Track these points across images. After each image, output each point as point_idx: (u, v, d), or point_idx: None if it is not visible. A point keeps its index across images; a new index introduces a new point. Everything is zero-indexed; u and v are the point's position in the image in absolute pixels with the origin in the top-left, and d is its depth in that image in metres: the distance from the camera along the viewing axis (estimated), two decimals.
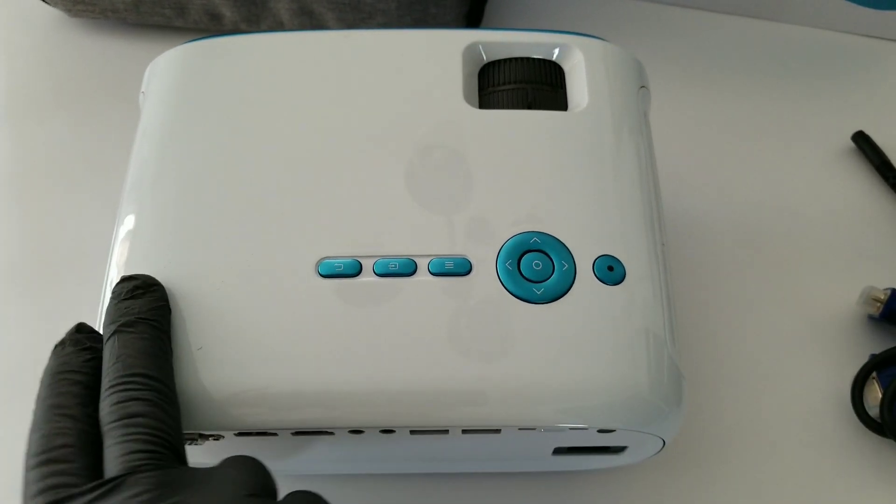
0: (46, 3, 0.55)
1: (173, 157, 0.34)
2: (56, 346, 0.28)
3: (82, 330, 0.28)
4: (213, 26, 0.55)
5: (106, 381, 0.26)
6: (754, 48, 0.55)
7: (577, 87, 0.36)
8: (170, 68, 0.37)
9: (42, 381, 0.27)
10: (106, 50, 0.56)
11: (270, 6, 0.52)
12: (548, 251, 0.31)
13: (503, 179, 0.33)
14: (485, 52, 0.37)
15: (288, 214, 0.32)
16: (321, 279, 0.30)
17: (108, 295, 0.30)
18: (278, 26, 0.54)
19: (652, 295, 0.31)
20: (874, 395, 0.38)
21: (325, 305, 0.30)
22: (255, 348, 0.29)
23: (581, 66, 0.36)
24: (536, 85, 0.36)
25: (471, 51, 0.37)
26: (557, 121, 0.35)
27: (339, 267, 0.30)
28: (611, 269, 0.31)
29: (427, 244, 0.31)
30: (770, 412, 0.39)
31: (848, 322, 0.42)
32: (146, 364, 0.26)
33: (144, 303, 0.29)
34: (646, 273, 0.31)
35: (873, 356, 0.39)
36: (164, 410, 0.26)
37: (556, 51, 0.37)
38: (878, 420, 0.37)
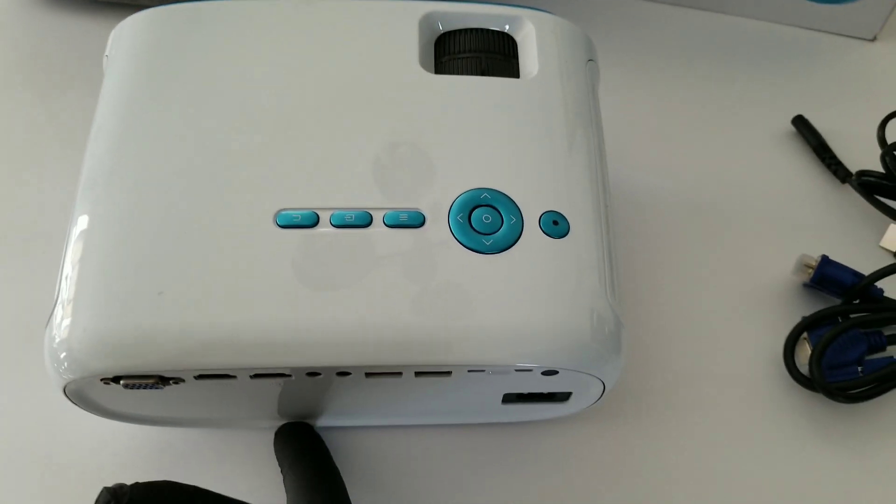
0: None
1: (136, 119, 0.35)
2: None
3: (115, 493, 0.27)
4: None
5: None
6: (702, 39, 0.58)
7: (529, 57, 0.38)
8: (133, 33, 0.38)
9: None
10: (70, 26, 0.57)
11: None
12: (497, 206, 0.33)
13: (457, 140, 0.34)
14: (441, 23, 0.39)
15: (249, 169, 0.33)
16: (279, 229, 0.32)
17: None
18: None
19: (595, 248, 0.33)
20: (804, 353, 0.40)
21: (283, 253, 0.31)
22: (216, 293, 0.30)
23: (532, 37, 0.38)
24: (490, 54, 0.38)
25: (428, 20, 0.38)
26: (509, 87, 0.36)
27: (297, 218, 0.32)
28: (556, 223, 0.33)
29: (383, 198, 0.33)
30: (710, 370, 0.41)
31: (783, 289, 0.44)
32: None
33: None
34: (589, 228, 0.33)
35: (804, 318, 0.41)
36: None
37: (509, 24, 0.39)
38: (808, 376, 0.39)
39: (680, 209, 0.48)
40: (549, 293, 0.31)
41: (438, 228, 0.32)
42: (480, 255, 0.32)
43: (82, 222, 0.32)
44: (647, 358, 0.42)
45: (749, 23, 0.59)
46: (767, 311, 0.43)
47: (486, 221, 0.32)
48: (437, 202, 0.33)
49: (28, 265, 0.44)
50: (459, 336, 0.30)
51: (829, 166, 0.50)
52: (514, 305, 0.31)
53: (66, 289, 0.31)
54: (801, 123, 0.52)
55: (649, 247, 0.46)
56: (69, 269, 0.31)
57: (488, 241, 0.32)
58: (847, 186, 0.49)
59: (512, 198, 0.33)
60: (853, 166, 0.49)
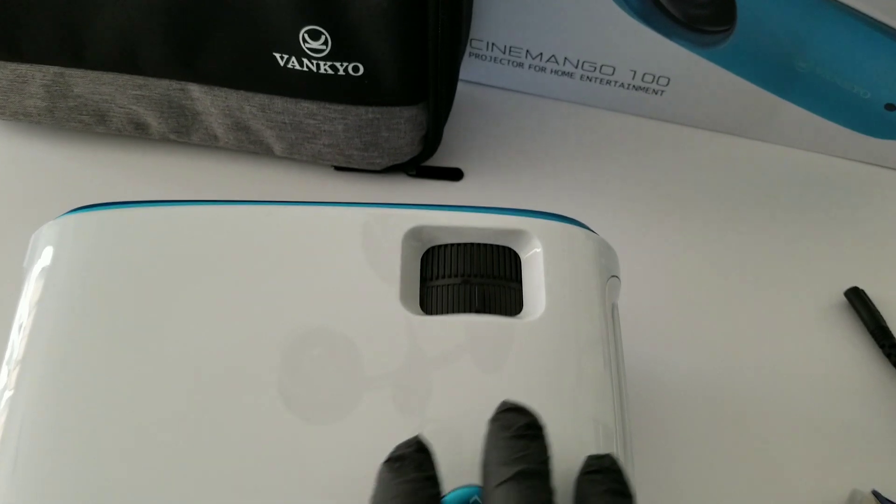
0: None
1: (45, 365, 0.28)
2: (392, 461, 0.24)
3: (423, 448, 0.24)
4: (139, 134, 0.49)
5: None
6: (737, 171, 0.50)
7: (535, 282, 0.31)
8: (50, 245, 0.31)
9: None
10: (21, 154, 0.50)
11: (202, 119, 0.46)
12: None
13: (445, 412, 0.27)
14: (429, 235, 0.31)
15: (175, 459, 0.26)
16: None
17: None
18: (211, 140, 0.48)
19: None
20: None
21: None
22: None
23: (539, 258, 0.31)
24: (487, 279, 0.31)
25: (413, 234, 0.31)
26: (509, 332, 0.29)
27: None
28: None
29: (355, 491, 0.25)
30: None
31: None
32: None
33: (541, 450, 0.24)
34: None
35: None
36: None
37: (512, 238, 0.31)
38: None
39: (702, 401, 0.41)
40: None
41: None
42: None
43: None
44: None
45: (796, 154, 0.51)
46: None
47: None
48: None
49: None
50: None
51: (889, 356, 0.42)
52: None
53: None
54: (855, 297, 0.44)
55: (664, 453, 0.39)
56: None
57: None
58: None
59: None
60: None
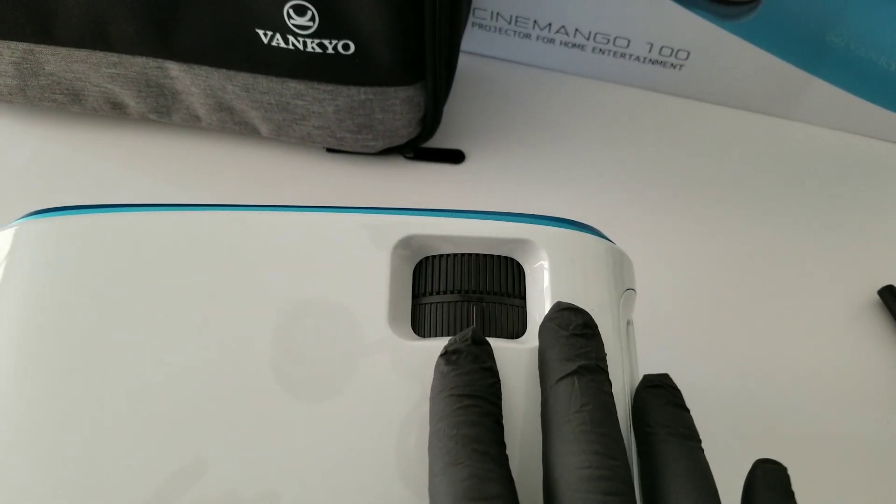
0: None
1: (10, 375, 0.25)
2: (449, 354, 0.24)
3: (479, 341, 0.24)
4: (117, 114, 0.45)
5: (565, 429, 0.22)
6: (761, 152, 0.47)
7: (539, 300, 0.27)
8: (17, 248, 0.28)
9: (440, 396, 0.23)
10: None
11: (183, 99, 0.43)
12: None
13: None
14: (421, 245, 0.28)
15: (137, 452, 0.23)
16: None
17: None
18: (193, 121, 0.44)
19: None
20: None
21: None
22: None
23: (545, 271, 0.27)
24: (486, 296, 0.27)
25: (404, 244, 0.28)
26: (510, 359, 0.26)
27: None
28: None
29: None
30: None
31: None
32: (614, 426, 0.23)
33: (598, 347, 0.25)
34: None
35: None
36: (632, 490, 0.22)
37: (514, 248, 0.28)
38: None
39: (724, 413, 0.38)
40: None
41: None
42: None
43: None
44: None
45: (824, 133, 0.47)
46: None
47: None
48: None
49: None
50: None
51: None
52: None
53: None
54: (890, 296, 0.40)
55: None
56: None
57: None
58: None
59: None
60: None
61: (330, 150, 0.46)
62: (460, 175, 0.45)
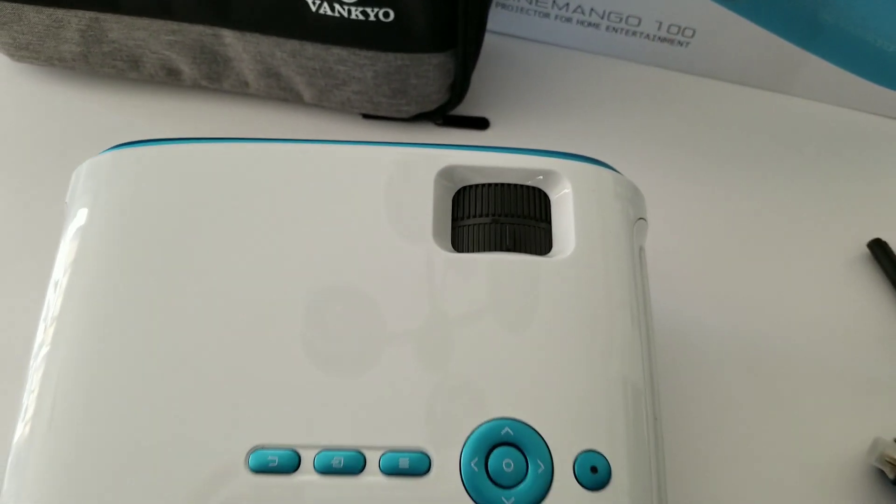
0: None
1: (91, 301, 0.29)
2: None
3: None
4: (172, 81, 0.49)
5: None
6: (762, 124, 0.51)
7: (564, 223, 0.31)
8: (95, 180, 0.32)
9: None
10: (53, 99, 0.51)
11: (234, 65, 0.47)
12: (522, 445, 0.27)
13: (472, 348, 0.28)
14: (460, 176, 0.32)
15: (216, 386, 0.27)
16: (252, 475, 0.26)
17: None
18: (242, 86, 0.49)
19: (643, 499, 0.27)
20: None
21: None
22: None
23: (569, 198, 0.32)
24: (517, 219, 0.32)
25: (445, 174, 0.32)
26: (539, 270, 0.30)
27: (274, 461, 0.26)
28: (594, 469, 0.26)
29: (380, 431, 0.27)
30: None
31: (858, 477, 0.38)
32: None
33: None
34: (635, 472, 0.27)
35: None
36: None
37: (542, 177, 0.32)
38: None
39: (726, 353, 0.42)
40: None
41: (447, 480, 0.26)
42: None
43: (34, 404, 0.27)
44: None
45: (819, 107, 0.51)
46: (838, 499, 0.37)
47: (508, 469, 0.26)
48: (447, 438, 0.27)
49: None
50: None
51: None
52: None
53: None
54: (878, 249, 0.45)
55: (691, 404, 0.40)
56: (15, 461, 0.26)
57: (509, 500, 0.26)
58: None
59: (540, 433, 0.27)
60: None
61: (366, 117, 0.50)
62: (485, 140, 0.49)
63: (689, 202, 0.47)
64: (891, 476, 0.36)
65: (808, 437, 0.39)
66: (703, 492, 0.37)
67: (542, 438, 0.27)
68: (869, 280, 0.44)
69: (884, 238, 0.45)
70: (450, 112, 0.49)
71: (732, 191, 0.47)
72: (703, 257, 0.45)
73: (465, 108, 0.50)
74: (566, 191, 0.32)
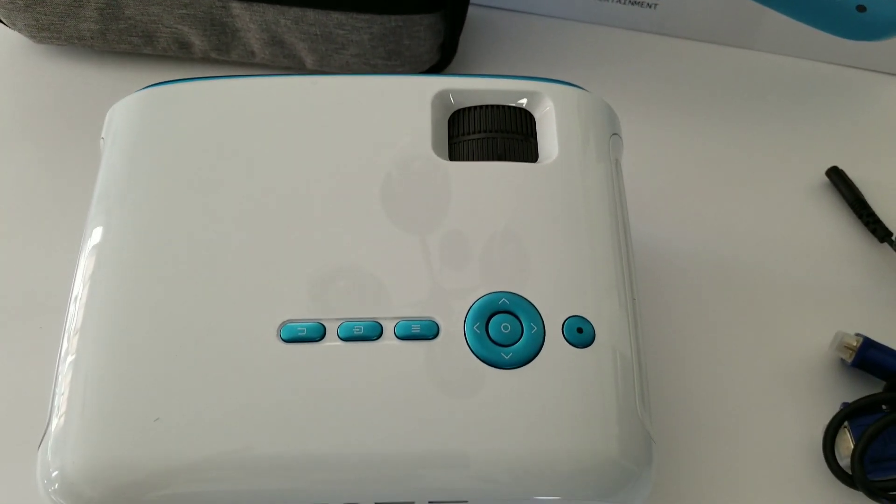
0: (7, 26, 0.53)
1: (130, 218, 0.33)
2: None
3: None
4: (183, 54, 0.54)
5: None
6: (727, 77, 0.55)
7: (548, 136, 0.36)
8: (128, 116, 0.36)
9: None
10: (73, 77, 0.55)
11: (241, 36, 0.51)
12: (517, 312, 0.31)
13: (471, 236, 0.32)
14: (454, 99, 0.36)
15: (250, 273, 0.31)
16: (284, 344, 0.30)
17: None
18: (249, 56, 0.53)
19: (622, 357, 0.31)
20: (846, 445, 0.37)
21: (287, 373, 0.29)
22: (215, 418, 0.28)
23: (551, 114, 0.36)
24: (506, 134, 0.36)
25: (440, 98, 0.36)
26: (527, 173, 0.34)
27: (302, 331, 0.30)
28: (580, 330, 0.30)
29: (393, 305, 0.31)
30: (739, 460, 0.39)
31: (821, 367, 0.42)
32: None
33: None
34: (616, 334, 0.31)
35: (845, 405, 0.39)
36: None
37: (527, 99, 0.36)
38: (849, 472, 0.37)
39: (699, 269, 0.46)
40: (574, 413, 0.29)
41: (454, 341, 0.30)
42: (499, 370, 0.30)
43: (75, 336, 0.30)
44: (670, 446, 0.39)
45: (778, 59, 0.56)
46: (804, 394, 0.41)
47: (505, 331, 0.30)
48: (452, 309, 0.31)
49: (29, 344, 0.42)
50: (478, 464, 0.28)
51: (866, 224, 0.47)
52: (536, 430, 0.29)
53: (59, 412, 0.29)
54: (836, 175, 0.49)
55: (665, 315, 0.44)
56: (62, 387, 0.30)
57: (507, 355, 0.30)
58: (886, 246, 0.46)
59: (532, 302, 0.31)
60: (894, 223, 0.46)
61: None
62: None
63: (665, 147, 0.51)
64: (848, 360, 0.40)
65: (776, 338, 0.43)
66: (679, 386, 0.41)
67: (535, 307, 0.31)
68: (828, 203, 0.49)
69: (840, 167, 0.49)
70: (440, 73, 0.54)
71: (704, 136, 0.52)
72: (678, 192, 0.49)
73: (454, 70, 0.54)
74: (548, 108, 0.36)
